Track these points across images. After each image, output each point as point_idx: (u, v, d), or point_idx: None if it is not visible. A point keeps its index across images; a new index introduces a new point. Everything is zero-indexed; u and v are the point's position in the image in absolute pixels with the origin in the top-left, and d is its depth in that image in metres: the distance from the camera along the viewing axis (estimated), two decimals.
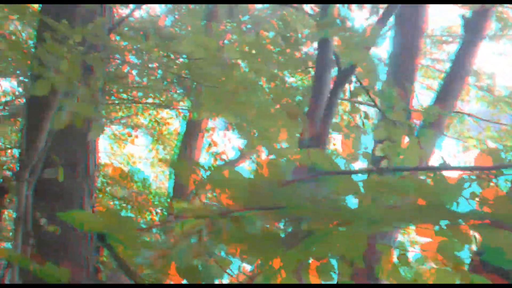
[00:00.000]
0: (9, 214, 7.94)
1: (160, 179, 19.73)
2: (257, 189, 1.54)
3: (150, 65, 5.41)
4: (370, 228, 1.44)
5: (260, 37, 4.91)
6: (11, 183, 5.76)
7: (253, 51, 5.03)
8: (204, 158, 11.74)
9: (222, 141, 11.78)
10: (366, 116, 5.05)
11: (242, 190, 1.56)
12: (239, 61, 5.61)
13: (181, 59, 5.62)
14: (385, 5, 5.72)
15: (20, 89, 8.06)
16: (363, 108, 5.44)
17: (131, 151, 18.50)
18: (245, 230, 1.57)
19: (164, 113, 12.45)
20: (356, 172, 1.87)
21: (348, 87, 4.53)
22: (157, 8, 8.90)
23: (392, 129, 4.39)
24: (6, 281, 6.73)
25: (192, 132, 10.91)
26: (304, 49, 4.54)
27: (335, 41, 4.36)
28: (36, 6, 7.34)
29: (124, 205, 7.64)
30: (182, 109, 11.04)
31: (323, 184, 1.60)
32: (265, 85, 5.54)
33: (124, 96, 10.19)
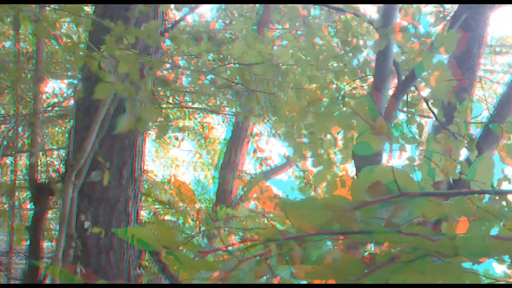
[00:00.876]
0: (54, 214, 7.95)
1: (202, 183, 19.71)
2: (333, 211, 1.38)
3: (202, 70, 5.29)
4: (473, 262, 1.27)
5: (314, 43, 4.75)
6: (57, 185, 5.72)
7: (307, 58, 4.88)
8: (248, 163, 11.62)
9: (267, 147, 11.62)
10: (421, 127, 4.84)
11: (317, 213, 1.40)
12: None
13: (231, 64, 5.50)
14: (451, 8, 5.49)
15: (69, 91, 8.07)
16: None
17: (174, 154, 18.52)
18: (320, 255, 1.41)
19: (210, 118, 12.37)
20: (446, 193, 1.69)
21: (406, 96, 4.33)
22: (209, 13, 8.82)
23: (453, 142, 4.17)
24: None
25: (237, 137, 10.80)
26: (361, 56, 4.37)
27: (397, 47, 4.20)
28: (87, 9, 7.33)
29: (167, 209, 7.57)
30: (228, 114, 10.93)
31: (405, 206, 1.44)
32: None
33: (170, 100, 10.16)
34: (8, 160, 11.04)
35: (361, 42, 4.44)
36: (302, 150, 5.54)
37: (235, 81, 5.52)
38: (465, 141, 4.03)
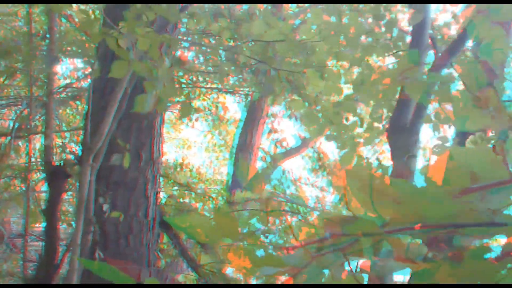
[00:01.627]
0: (70, 198, 7.81)
1: (214, 165, 19.55)
2: (430, 199, 1.21)
3: (222, 47, 5.10)
4: None
5: (341, 16, 4.56)
6: (74, 168, 5.56)
7: (333, 33, 4.67)
8: (263, 145, 11.44)
9: (281, 128, 11.44)
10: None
11: (411, 201, 1.22)
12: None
13: (254, 42, 5.31)
14: None
15: (81, 72, 7.89)
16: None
17: (185, 135, 18.38)
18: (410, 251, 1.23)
19: (223, 98, 12.16)
20: None
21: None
22: None
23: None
24: (65, 267, 6.58)
25: (253, 118, 10.61)
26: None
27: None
28: None
29: (186, 192, 7.39)
30: (243, 94, 10.73)
31: (498, 194, 1.26)
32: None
33: (183, 80, 9.97)
34: (22, 142, 10.92)
35: (393, 16, 4.23)
36: (323, 131, 5.37)
37: (258, 59, 5.33)
38: None
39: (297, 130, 11.10)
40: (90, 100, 5.29)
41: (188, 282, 6.15)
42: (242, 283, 1.74)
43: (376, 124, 4.52)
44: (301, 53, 5.27)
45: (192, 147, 18.94)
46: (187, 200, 7.35)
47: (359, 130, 5.26)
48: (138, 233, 5.97)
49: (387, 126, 4.15)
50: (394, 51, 4.22)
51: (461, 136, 4.87)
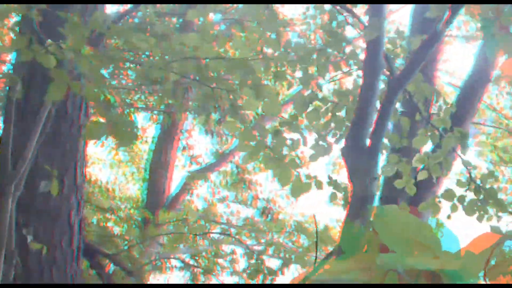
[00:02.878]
0: None
1: (120, 182, 18.94)
2: None
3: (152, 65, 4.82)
4: None
5: (283, 36, 4.44)
6: None
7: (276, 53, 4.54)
8: (179, 161, 11.13)
9: (196, 144, 11.17)
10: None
11: None
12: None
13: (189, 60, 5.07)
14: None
15: None
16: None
17: (90, 152, 17.68)
18: None
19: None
20: None
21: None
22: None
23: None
24: None
25: (168, 135, 10.30)
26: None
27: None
28: None
29: (110, 217, 6.98)
30: (159, 111, 10.38)
31: None
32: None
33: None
34: None
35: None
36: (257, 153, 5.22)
37: (191, 77, 5.10)
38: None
39: (214, 146, 10.89)
40: (11, 122, 4.86)
41: None
42: None
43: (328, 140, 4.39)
44: (236, 70, 5.09)
45: (96, 163, 18.27)
46: (110, 224, 6.98)
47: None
48: (62, 264, 5.57)
49: (341, 145, 4.04)
50: (345, 69, 4.14)
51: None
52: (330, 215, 13.89)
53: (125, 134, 3.80)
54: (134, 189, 18.09)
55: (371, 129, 3.59)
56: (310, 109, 4.34)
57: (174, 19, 8.48)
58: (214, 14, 6.97)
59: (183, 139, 10.86)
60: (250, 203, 10.60)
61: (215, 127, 9.32)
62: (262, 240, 6.69)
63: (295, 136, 4.95)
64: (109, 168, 18.65)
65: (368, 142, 3.53)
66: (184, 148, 10.96)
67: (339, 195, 5.49)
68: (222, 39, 5.15)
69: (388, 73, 3.68)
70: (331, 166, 12.39)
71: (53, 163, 5.38)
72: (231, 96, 5.25)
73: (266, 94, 5.04)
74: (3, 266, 4.96)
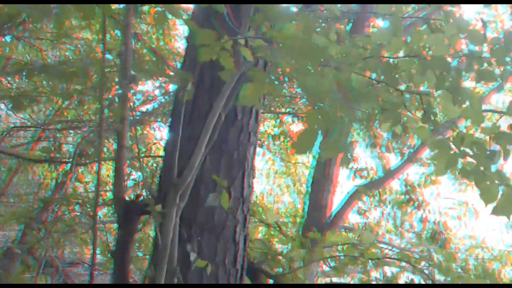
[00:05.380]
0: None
1: (275, 193, 18.54)
2: None
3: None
4: None
5: None
6: (154, 206, 4.66)
7: None
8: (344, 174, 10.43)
9: (361, 157, 10.41)
10: None
11: None
12: None
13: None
14: None
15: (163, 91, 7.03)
16: None
17: None
18: None
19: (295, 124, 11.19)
20: None
21: None
22: None
23: None
24: None
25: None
26: None
27: None
28: None
29: (275, 233, 6.38)
30: None
31: None
32: None
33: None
34: (81, 170, 10.17)
35: None
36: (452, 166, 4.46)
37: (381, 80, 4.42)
38: None
39: (380, 160, 10.07)
40: (179, 125, 4.42)
41: None
42: None
43: None
44: (431, 71, 4.34)
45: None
46: (275, 241, 6.41)
47: None
48: (225, 283, 5.07)
49: None
50: None
51: None
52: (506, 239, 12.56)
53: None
54: (288, 201, 17.64)
55: None
56: None
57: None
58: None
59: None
60: (419, 226, 9.67)
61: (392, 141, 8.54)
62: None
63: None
64: (265, 178, 18.37)
65: None
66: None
67: None
68: (416, 33, 4.41)
69: None
70: None
71: (219, 173, 4.90)
72: (424, 100, 4.50)
73: (466, 97, 4.26)
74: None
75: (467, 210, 11.02)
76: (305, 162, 14.86)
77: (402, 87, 4.40)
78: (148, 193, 5.44)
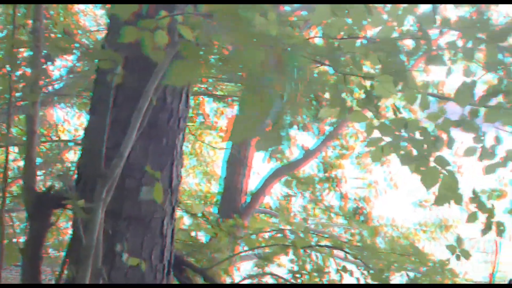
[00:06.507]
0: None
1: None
2: None
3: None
4: None
5: None
6: (76, 200, 4.20)
7: None
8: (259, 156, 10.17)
9: None
10: None
11: None
12: None
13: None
14: None
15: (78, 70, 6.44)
16: None
17: None
18: None
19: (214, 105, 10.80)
20: None
21: None
22: None
23: None
24: None
25: None
26: None
27: None
28: None
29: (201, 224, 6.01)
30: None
31: None
32: None
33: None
34: None
35: None
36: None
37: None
38: None
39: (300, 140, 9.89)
40: (108, 111, 3.98)
41: None
42: None
43: None
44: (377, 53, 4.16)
45: None
46: (201, 233, 6.06)
47: None
48: (152, 281, 4.69)
49: None
50: None
51: None
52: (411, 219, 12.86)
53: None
54: (194, 183, 17.22)
55: None
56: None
57: None
58: None
59: None
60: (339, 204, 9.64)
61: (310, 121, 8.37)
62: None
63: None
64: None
65: None
66: None
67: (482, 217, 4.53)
68: (358, 13, 4.18)
69: None
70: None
71: (146, 162, 4.49)
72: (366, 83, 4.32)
73: (409, 83, 4.10)
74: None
75: (377, 190, 11.15)
76: (212, 143, 14.53)
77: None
78: (63, 184, 4.95)
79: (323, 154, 9.77)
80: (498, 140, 3.90)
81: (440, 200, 4.12)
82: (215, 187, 13.73)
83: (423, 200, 11.99)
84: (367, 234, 6.84)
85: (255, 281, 5.67)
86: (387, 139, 4.28)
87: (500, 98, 3.58)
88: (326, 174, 9.69)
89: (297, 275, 5.46)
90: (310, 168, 10.89)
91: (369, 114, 4.60)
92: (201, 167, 16.62)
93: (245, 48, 3.36)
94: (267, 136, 3.34)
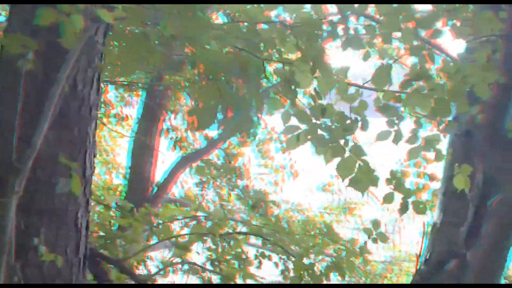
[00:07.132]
0: None
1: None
2: None
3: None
4: None
5: None
6: None
7: None
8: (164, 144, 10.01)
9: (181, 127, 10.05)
10: None
11: None
12: None
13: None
14: None
15: None
16: None
17: None
18: None
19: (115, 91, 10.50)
20: None
21: None
22: None
23: None
24: None
25: (153, 115, 9.17)
26: None
27: None
28: None
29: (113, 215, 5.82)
30: (142, 88, 9.22)
31: None
32: None
33: None
34: None
35: None
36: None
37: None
38: None
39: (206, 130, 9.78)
40: (18, 99, 3.76)
41: None
42: None
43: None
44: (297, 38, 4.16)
45: None
46: (116, 224, 5.89)
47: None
48: (68, 276, 4.50)
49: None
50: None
51: None
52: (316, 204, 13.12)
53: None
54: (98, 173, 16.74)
55: None
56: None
57: None
58: None
59: (167, 120, 9.74)
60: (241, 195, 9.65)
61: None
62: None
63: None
64: None
65: None
66: (167, 130, 9.83)
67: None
68: None
69: None
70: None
71: (59, 152, 4.29)
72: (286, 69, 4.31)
73: (322, 65, 4.13)
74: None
75: (284, 174, 11.28)
76: (115, 130, 14.16)
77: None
78: None
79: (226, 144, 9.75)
80: (419, 123, 4.01)
81: (354, 185, 4.17)
82: (116, 177, 13.37)
83: (327, 184, 12.28)
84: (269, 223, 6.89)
85: (175, 270, 5.60)
86: (303, 127, 4.29)
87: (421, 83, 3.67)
88: (231, 164, 9.68)
89: (216, 263, 5.43)
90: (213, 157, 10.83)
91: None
92: (100, 156, 16.19)
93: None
94: (241, 120, 3.37)
